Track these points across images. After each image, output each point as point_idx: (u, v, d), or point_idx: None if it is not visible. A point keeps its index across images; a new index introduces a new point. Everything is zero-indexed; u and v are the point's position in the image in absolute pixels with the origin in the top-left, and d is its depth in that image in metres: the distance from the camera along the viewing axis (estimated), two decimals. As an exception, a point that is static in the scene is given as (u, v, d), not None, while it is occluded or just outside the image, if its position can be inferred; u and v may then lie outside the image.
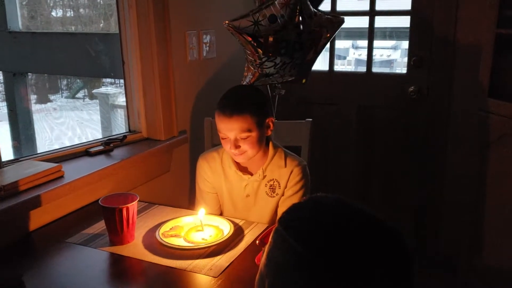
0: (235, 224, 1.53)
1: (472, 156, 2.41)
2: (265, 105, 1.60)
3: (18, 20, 5.60)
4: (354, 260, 0.63)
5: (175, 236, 1.46)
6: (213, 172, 1.69)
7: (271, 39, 1.98)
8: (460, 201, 2.54)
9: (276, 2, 1.99)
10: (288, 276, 0.65)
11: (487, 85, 2.26)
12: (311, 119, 2.09)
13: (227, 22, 1.98)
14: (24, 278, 1.25)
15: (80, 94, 8.30)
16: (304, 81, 2.25)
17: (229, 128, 1.52)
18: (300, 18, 2.02)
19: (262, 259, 0.71)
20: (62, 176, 1.66)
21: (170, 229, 1.49)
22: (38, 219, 1.57)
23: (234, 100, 1.55)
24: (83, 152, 1.93)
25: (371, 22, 2.67)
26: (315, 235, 0.66)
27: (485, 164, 2.33)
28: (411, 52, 2.64)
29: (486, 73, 2.27)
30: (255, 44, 2.00)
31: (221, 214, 1.72)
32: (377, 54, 8.15)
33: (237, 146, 1.53)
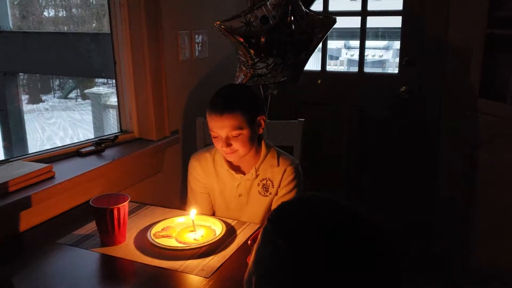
0: (227, 224, 1.53)
1: (463, 156, 2.43)
2: (256, 103, 1.60)
3: (9, 19, 5.56)
4: (340, 259, 0.63)
5: (167, 236, 1.45)
6: (205, 172, 1.69)
7: (263, 40, 1.98)
8: (451, 200, 2.55)
9: (267, 3, 1.99)
10: (275, 274, 0.66)
11: (478, 85, 2.28)
12: (303, 119, 2.10)
13: (218, 23, 1.98)
14: (14, 280, 1.25)
15: (72, 94, 8.26)
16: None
17: (220, 126, 1.52)
18: (292, 19, 2.02)
19: (251, 257, 0.72)
20: (53, 177, 1.65)
21: (162, 229, 1.49)
22: (28, 220, 1.56)
23: (225, 98, 1.55)
24: (74, 152, 1.92)
25: (363, 22, 2.67)
26: (302, 234, 0.66)
27: (476, 164, 2.35)
28: (402, 52, 2.65)
29: (477, 73, 2.28)
30: (247, 45, 2.00)
31: (213, 214, 1.72)
32: (370, 54, 8.19)
33: (228, 145, 1.53)
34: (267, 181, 1.64)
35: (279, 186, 1.65)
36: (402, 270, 0.67)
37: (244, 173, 1.65)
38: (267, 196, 1.65)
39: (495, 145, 2.24)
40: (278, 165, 1.64)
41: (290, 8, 2.00)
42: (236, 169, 1.65)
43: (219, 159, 1.66)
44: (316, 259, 0.63)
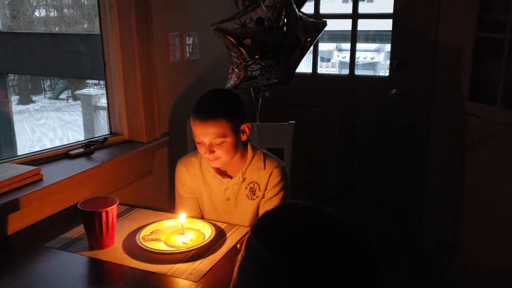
0: (216, 228, 1.52)
1: (452, 158, 2.44)
2: (241, 110, 1.58)
3: (-1, 20, 5.52)
4: (322, 268, 0.63)
5: (156, 240, 1.44)
6: (192, 177, 1.68)
7: (257, 42, 1.97)
8: (441, 202, 2.56)
9: (262, 4, 1.98)
10: (259, 284, 0.65)
11: (468, 88, 2.29)
12: (294, 121, 2.10)
13: (213, 24, 1.97)
14: (1, 284, 1.23)
15: (63, 95, 8.21)
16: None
17: (204, 133, 1.50)
18: (285, 21, 2.02)
19: (235, 267, 0.71)
20: (41, 179, 1.64)
21: (151, 233, 1.48)
22: (15, 223, 1.54)
23: (209, 105, 1.53)
24: (63, 154, 1.90)
25: (354, 25, 2.68)
26: (285, 243, 0.65)
27: (465, 166, 2.36)
28: (393, 55, 2.66)
29: (467, 76, 2.30)
30: (241, 46, 1.99)
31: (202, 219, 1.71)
32: (361, 57, 8.23)
33: (211, 151, 1.51)
34: (254, 184, 1.64)
35: (265, 189, 1.64)
36: (385, 275, 0.67)
37: (231, 177, 1.64)
38: (254, 199, 1.65)
39: (484, 148, 2.25)
40: (264, 168, 1.63)
41: (284, 11, 2.00)
42: (223, 173, 1.64)
43: (206, 164, 1.64)
44: (300, 268, 0.62)
